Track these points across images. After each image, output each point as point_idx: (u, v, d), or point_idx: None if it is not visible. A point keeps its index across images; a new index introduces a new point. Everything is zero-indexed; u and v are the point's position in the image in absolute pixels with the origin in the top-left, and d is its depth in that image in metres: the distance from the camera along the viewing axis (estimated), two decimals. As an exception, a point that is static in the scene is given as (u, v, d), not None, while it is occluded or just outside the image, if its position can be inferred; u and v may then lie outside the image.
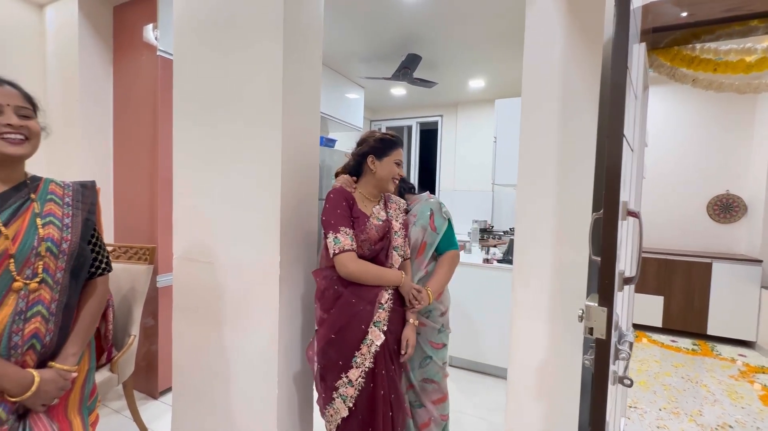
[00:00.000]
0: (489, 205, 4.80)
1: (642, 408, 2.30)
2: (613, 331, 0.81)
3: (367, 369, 1.21)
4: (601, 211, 0.80)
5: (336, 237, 1.22)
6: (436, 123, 5.20)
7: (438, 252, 1.46)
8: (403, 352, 1.29)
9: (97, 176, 2.20)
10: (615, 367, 0.96)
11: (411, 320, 1.32)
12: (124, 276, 1.73)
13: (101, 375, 1.54)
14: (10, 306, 0.86)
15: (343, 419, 1.22)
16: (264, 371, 1.34)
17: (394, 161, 1.32)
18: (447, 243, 1.45)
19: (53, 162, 2.32)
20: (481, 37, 2.96)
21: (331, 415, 1.23)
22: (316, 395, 1.35)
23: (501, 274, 2.56)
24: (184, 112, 1.50)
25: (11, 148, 0.88)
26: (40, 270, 0.89)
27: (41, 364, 0.92)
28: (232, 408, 1.42)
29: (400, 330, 1.31)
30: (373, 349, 1.21)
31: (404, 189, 1.55)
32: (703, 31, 1.37)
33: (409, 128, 5.42)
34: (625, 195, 1.02)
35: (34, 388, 0.86)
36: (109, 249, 1.80)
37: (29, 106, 0.93)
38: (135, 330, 1.68)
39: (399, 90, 4.45)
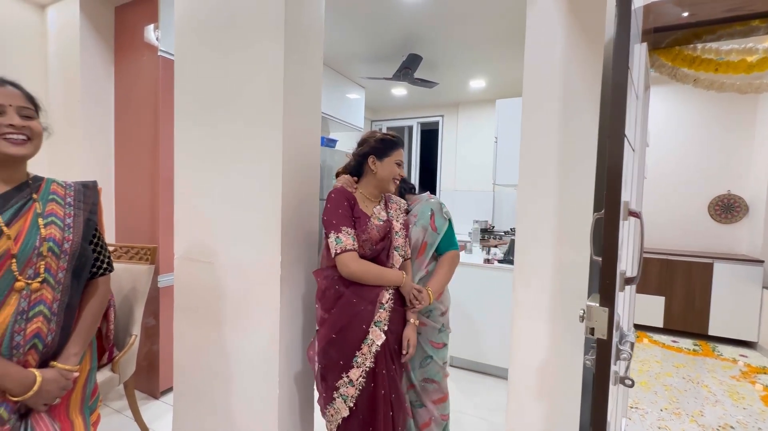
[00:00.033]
0: (490, 205, 4.79)
1: (643, 409, 2.30)
2: (614, 331, 0.81)
3: (367, 369, 1.21)
4: (603, 211, 0.80)
5: (338, 237, 1.22)
6: (436, 123, 5.20)
7: (438, 253, 1.46)
8: (404, 352, 1.29)
9: (98, 176, 2.21)
10: (616, 367, 0.95)
11: (412, 320, 1.32)
12: (126, 276, 1.74)
13: (102, 375, 1.55)
14: (12, 305, 0.86)
15: (343, 419, 1.22)
16: (265, 371, 1.35)
17: (395, 161, 1.32)
18: (447, 244, 1.45)
19: (55, 162, 2.32)
20: (482, 37, 2.96)
21: (332, 415, 1.23)
22: (316, 395, 1.35)
23: (502, 274, 2.56)
24: (185, 112, 1.51)
25: (13, 148, 0.88)
26: (42, 270, 0.90)
27: (43, 364, 0.92)
28: (233, 408, 1.42)
29: (400, 330, 1.31)
30: (374, 349, 1.22)
31: (404, 189, 1.55)
32: (704, 31, 1.37)
33: (410, 128, 5.42)
34: (627, 195, 1.01)
35: (36, 388, 0.86)
36: (111, 249, 1.80)
37: (31, 107, 0.93)
38: (136, 330, 1.68)
39: (400, 90, 4.45)
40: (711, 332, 3.45)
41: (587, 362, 0.84)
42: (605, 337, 0.79)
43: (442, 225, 1.44)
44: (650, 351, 3.24)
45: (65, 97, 2.29)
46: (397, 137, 1.36)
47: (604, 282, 0.79)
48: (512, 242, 2.80)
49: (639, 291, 3.62)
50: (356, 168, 1.38)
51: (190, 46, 1.48)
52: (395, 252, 1.32)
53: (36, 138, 0.93)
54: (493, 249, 3.08)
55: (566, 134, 1.08)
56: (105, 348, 1.56)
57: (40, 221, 0.91)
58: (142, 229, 2.23)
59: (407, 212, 1.45)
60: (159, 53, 2.12)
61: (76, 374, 0.96)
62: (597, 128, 1.04)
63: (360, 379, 1.20)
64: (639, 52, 1.25)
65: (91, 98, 2.26)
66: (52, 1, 2.31)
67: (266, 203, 1.32)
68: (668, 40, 1.48)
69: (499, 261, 2.65)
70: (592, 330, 0.80)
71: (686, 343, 3.42)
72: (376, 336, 1.22)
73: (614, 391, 1.08)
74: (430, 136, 5.38)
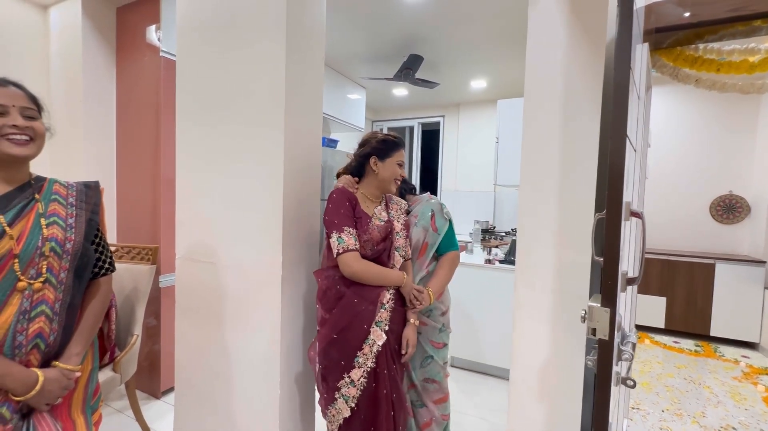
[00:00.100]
0: (491, 206, 4.79)
1: (645, 410, 2.29)
2: (615, 332, 0.81)
3: (369, 369, 1.21)
4: (604, 211, 0.80)
5: (340, 236, 1.22)
6: (437, 123, 5.20)
7: (439, 253, 1.46)
8: (403, 352, 1.29)
9: (100, 176, 2.21)
10: (618, 368, 0.95)
11: (412, 320, 1.32)
12: (127, 276, 1.74)
13: (104, 375, 1.55)
14: (15, 305, 0.86)
15: (345, 419, 1.22)
16: (265, 371, 1.35)
17: (397, 162, 1.32)
18: (448, 244, 1.45)
19: (57, 162, 2.33)
20: (483, 37, 2.96)
21: (333, 415, 1.23)
22: (317, 396, 1.35)
23: (503, 275, 2.56)
24: (186, 113, 1.51)
25: (16, 148, 0.89)
26: (44, 270, 0.90)
27: (45, 364, 0.92)
28: (234, 409, 1.42)
29: (401, 330, 1.31)
30: (375, 349, 1.22)
31: (405, 190, 1.55)
32: (706, 31, 1.37)
33: (411, 129, 5.42)
34: (628, 195, 1.01)
35: (38, 387, 0.86)
36: (112, 249, 1.81)
37: (34, 107, 0.94)
38: (138, 330, 1.68)
39: (401, 90, 4.45)
40: (713, 333, 3.44)
41: (589, 362, 0.84)
42: (607, 338, 0.79)
43: (442, 226, 1.44)
44: (652, 351, 3.23)
45: (67, 98, 2.29)
46: (398, 138, 1.36)
47: (605, 283, 0.79)
48: (513, 242, 2.79)
49: (640, 291, 3.62)
50: (357, 168, 1.38)
51: (192, 46, 1.48)
52: (396, 252, 1.32)
53: (39, 138, 0.93)
54: (494, 250, 3.07)
55: (568, 134, 1.08)
56: (107, 348, 1.57)
57: (43, 221, 0.91)
58: (144, 229, 2.24)
59: (408, 213, 1.45)
60: (160, 54, 2.12)
61: (78, 374, 0.96)
62: (599, 129, 1.04)
63: (361, 379, 1.21)
64: (641, 52, 1.25)
65: (93, 98, 2.26)
66: (54, 2, 2.32)
67: (267, 203, 1.33)
68: (670, 40, 1.48)
69: (500, 262, 2.65)
70: (593, 331, 0.80)
71: (688, 344, 3.41)
72: (377, 337, 1.22)
73: (616, 392, 1.08)
74: (431, 137, 5.38)
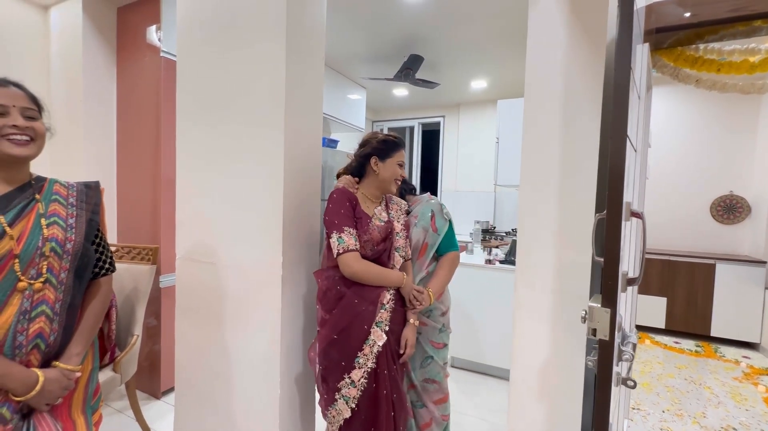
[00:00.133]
0: (491, 206, 4.79)
1: (645, 410, 2.29)
2: (616, 332, 0.81)
3: (369, 370, 1.21)
4: (605, 211, 0.80)
5: (340, 237, 1.22)
6: (438, 123, 5.20)
7: (439, 253, 1.46)
8: (401, 351, 1.29)
9: (100, 176, 2.21)
10: (618, 368, 0.95)
11: (411, 320, 1.32)
12: (127, 277, 1.74)
13: (104, 375, 1.55)
14: (15, 306, 0.86)
15: (345, 420, 1.22)
16: (265, 371, 1.35)
17: (397, 162, 1.32)
18: (448, 245, 1.45)
19: (57, 162, 2.33)
20: (483, 37, 2.96)
21: (334, 416, 1.23)
22: (317, 396, 1.35)
23: (503, 275, 2.56)
24: (187, 113, 1.51)
25: (17, 149, 0.89)
26: (44, 271, 0.90)
27: (45, 364, 0.92)
28: (234, 409, 1.42)
29: (401, 331, 1.31)
30: (375, 350, 1.22)
31: (405, 190, 1.55)
32: (706, 31, 1.37)
33: (411, 129, 5.42)
34: (629, 196, 1.01)
35: (38, 388, 0.86)
36: (113, 249, 1.81)
37: (35, 107, 0.94)
38: (138, 331, 1.68)
39: (401, 91, 4.45)
40: (713, 333, 3.43)
41: (589, 363, 0.84)
42: (607, 338, 0.79)
43: (442, 227, 1.44)
44: (652, 352, 3.23)
45: (68, 98, 2.29)
46: (398, 138, 1.36)
47: (606, 283, 0.79)
48: (513, 243, 2.79)
49: (641, 291, 3.62)
50: (358, 169, 1.38)
51: (192, 46, 1.48)
52: (396, 253, 1.32)
53: (39, 138, 0.93)
54: (494, 250, 3.07)
55: (568, 135, 1.08)
56: (107, 348, 1.57)
57: (43, 221, 0.91)
58: (144, 229, 2.24)
59: (408, 213, 1.45)
60: (161, 54, 2.12)
61: (78, 374, 0.96)
62: (599, 129, 1.04)
63: (362, 380, 1.20)
64: (641, 52, 1.25)
65: (93, 98, 2.26)
66: (55, 2, 2.32)
67: (267, 203, 1.33)
68: (670, 40, 1.48)
69: (501, 262, 2.65)
70: (594, 331, 0.80)
71: (688, 344, 3.41)
72: (378, 337, 1.22)
73: (616, 392, 1.07)
74: (431, 137, 5.38)
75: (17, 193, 0.91)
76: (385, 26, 2.83)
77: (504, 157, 2.95)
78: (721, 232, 3.75)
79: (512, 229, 4.06)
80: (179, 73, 1.52)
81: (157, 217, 2.17)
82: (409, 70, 3.38)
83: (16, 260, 0.86)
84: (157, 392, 2.21)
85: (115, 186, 2.37)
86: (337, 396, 1.22)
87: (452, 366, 2.74)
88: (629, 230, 1.20)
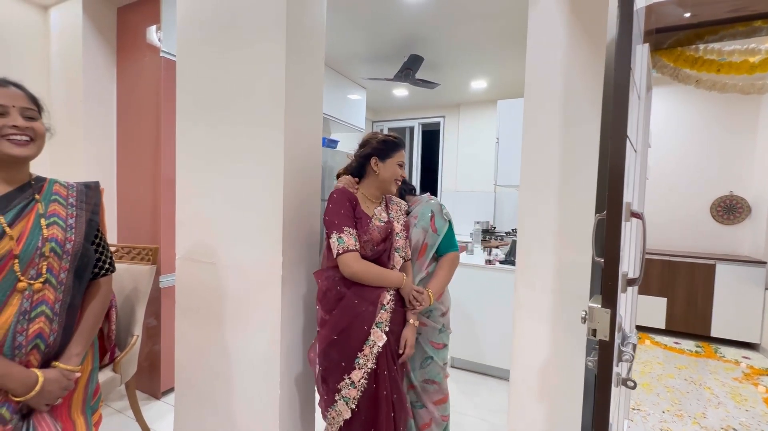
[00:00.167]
0: (491, 206, 4.79)
1: (645, 411, 2.29)
2: (616, 333, 0.81)
3: (369, 370, 1.21)
4: (605, 212, 0.80)
5: (340, 237, 1.22)
6: (438, 124, 5.20)
7: (438, 254, 1.46)
8: (400, 351, 1.29)
9: (100, 176, 2.21)
10: (618, 369, 0.95)
11: (411, 321, 1.32)
12: (127, 277, 1.74)
13: (104, 375, 1.55)
14: (15, 306, 0.86)
15: (345, 421, 1.22)
16: (265, 371, 1.35)
17: (397, 163, 1.32)
18: (447, 245, 1.45)
19: (57, 162, 2.33)
20: (483, 37, 2.96)
21: (333, 418, 1.23)
22: (317, 397, 1.35)
23: (503, 275, 2.55)
24: (187, 113, 1.51)
25: (17, 149, 0.89)
26: (44, 271, 0.90)
27: (45, 364, 0.92)
28: (234, 409, 1.42)
29: (401, 331, 1.31)
30: (375, 350, 1.21)
31: (405, 190, 1.55)
32: (706, 31, 1.37)
33: (412, 129, 5.42)
34: (629, 196, 1.01)
35: (38, 388, 0.86)
36: (113, 249, 1.81)
37: (34, 107, 0.94)
38: (138, 331, 1.68)
39: (401, 91, 4.45)
40: (713, 333, 3.43)
41: (589, 363, 0.84)
42: (607, 339, 0.79)
43: (442, 227, 1.44)
44: (652, 352, 3.23)
45: (68, 98, 2.29)
46: (399, 138, 1.36)
47: (606, 284, 0.79)
48: (513, 243, 2.79)
49: (641, 292, 3.61)
50: (358, 169, 1.38)
51: (192, 46, 1.48)
52: (396, 253, 1.32)
53: (39, 139, 0.93)
54: (494, 250, 3.07)
55: (568, 135, 1.08)
56: (107, 349, 1.57)
57: (43, 222, 0.91)
58: (144, 230, 2.24)
59: (407, 214, 1.45)
60: (161, 54, 2.12)
61: (78, 374, 0.96)
62: (599, 129, 1.04)
63: (362, 381, 1.20)
64: (641, 52, 1.25)
65: (93, 99, 2.26)
66: (55, 2, 2.32)
67: (267, 204, 1.33)
68: (670, 40, 1.48)
69: (501, 262, 2.65)
70: (594, 332, 0.80)
71: (688, 345, 3.40)
72: (378, 338, 1.22)
73: (616, 393, 1.07)
74: (431, 137, 5.38)
75: (17, 193, 0.91)
76: (385, 26, 2.83)
77: (504, 157, 2.95)
78: (721, 233, 3.74)
79: (512, 229, 4.06)
80: (179, 73, 1.52)
81: (157, 217, 2.17)
82: (409, 70, 3.38)
83: (16, 260, 0.86)
84: (157, 392, 2.21)
85: (115, 186, 2.37)
86: (337, 397, 1.22)
87: (452, 367, 2.74)
88: (629, 230, 1.20)
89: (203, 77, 1.46)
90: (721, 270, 3.42)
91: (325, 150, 2.96)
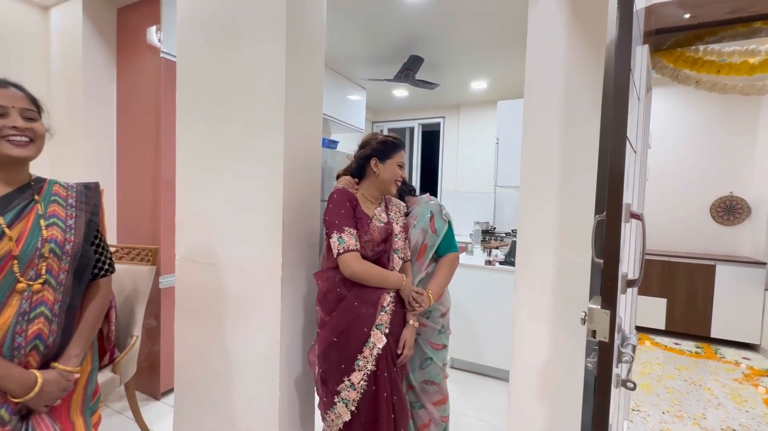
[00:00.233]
0: (491, 207, 4.79)
1: (645, 412, 2.29)
2: (616, 334, 0.81)
3: (369, 372, 1.21)
4: (604, 213, 0.80)
5: (340, 237, 1.22)
6: (438, 124, 5.20)
7: (438, 255, 1.46)
8: (399, 352, 1.29)
9: (100, 177, 2.21)
10: (618, 370, 0.95)
11: (411, 322, 1.32)
12: (127, 277, 1.74)
13: (103, 376, 1.55)
14: (14, 307, 0.86)
15: (345, 423, 1.21)
16: (265, 372, 1.35)
17: (397, 163, 1.32)
18: (447, 246, 1.45)
19: (57, 163, 2.33)
20: (483, 38, 2.96)
21: (333, 420, 1.23)
22: (317, 399, 1.35)
23: (503, 276, 2.55)
24: (187, 113, 1.51)
25: (16, 150, 0.88)
26: (43, 272, 0.90)
27: (44, 365, 0.92)
28: (233, 409, 1.42)
29: (401, 333, 1.31)
30: (375, 352, 1.21)
31: (404, 191, 1.55)
32: (706, 32, 1.37)
33: (411, 129, 5.42)
34: (628, 197, 1.01)
35: (37, 389, 0.86)
36: (112, 250, 1.81)
37: (34, 108, 0.94)
38: (137, 331, 1.68)
39: (401, 91, 4.45)
40: (713, 334, 3.43)
41: (589, 364, 0.84)
42: (607, 340, 0.79)
43: (441, 227, 1.44)
44: (652, 353, 3.23)
45: (68, 98, 2.29)
46: (398, 139, 1.36)
47: (605, 285, 0.79)
48: (513, 244, 2.79)
49: (641, 293, 3.61)
50: (357, 170, 1.38)
51: (192, 47, 1.48)
52: (395, 254, 1.32)
53: (39, 140, 0.93)
54: (494, 251, 3.07)
55: (568, 136, 1.08)
56: (106, 349, 1.57)
57: (42, 222, 0.91)
58: (144, 230, 2.24)
59: (407, 214, 1.45)
60: (161, 54, 2.12)
61: (77, 375, 0.96)
62: (599, 130, 1.04)
63: (362, 382, 1.20)
64: (641, 53, 1.25)
65: (93, 99, 2.26)
66: (55, 3, 2.32)
67: (267, 204, 1.32)
68: (670, 41, 1.48)
69: (501, 263, 2.65)
70: (593, 333, 0.80)
71: (688, 345, 3.40)
72: (378, 339, 1.22)
73: (616, 394, 1.07)
74: (431, 138, 5.38)
75: (16, 194, 0.91)
76: (385, 26, 2.83)
77: (504, 158, 2.95)
78: (721, 233, 3.75)
79: (512, 230, 4.06)
80: (179, 74, 1.52)
81: (157, 218, 2.16)
82: (409, 70, 3.38)
83: (15, 261, 0.86)
84: (156, 393, 2.20)
85: (115, 186, 2.37)
86: (336, 400, 1.21)
87: (452, 367, 2.74)
88: (629, 231, 1.20)
89: (203, 77, 1.46)
90: (721, 271, 3.42)
91: (325, 150, 2.96)
